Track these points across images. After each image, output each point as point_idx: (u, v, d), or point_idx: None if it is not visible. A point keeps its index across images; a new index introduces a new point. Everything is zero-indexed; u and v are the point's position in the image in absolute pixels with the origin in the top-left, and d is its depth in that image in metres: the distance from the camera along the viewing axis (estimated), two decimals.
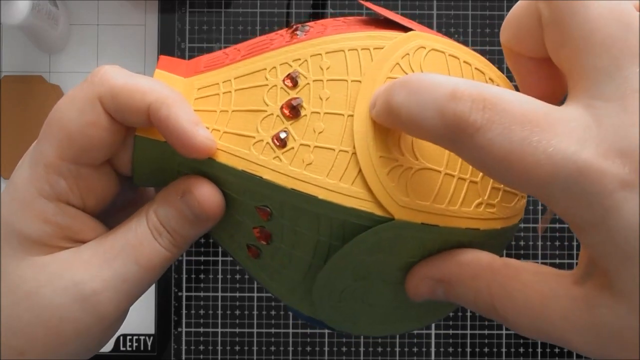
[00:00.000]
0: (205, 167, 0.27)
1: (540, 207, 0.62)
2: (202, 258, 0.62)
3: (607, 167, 0.21)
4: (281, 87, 0.27)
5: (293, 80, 0.27)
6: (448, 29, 0.64)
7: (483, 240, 0.27)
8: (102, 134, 0.27)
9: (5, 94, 0.64)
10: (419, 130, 0.24)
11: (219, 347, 0.62)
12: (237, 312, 0.63)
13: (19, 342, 0.27)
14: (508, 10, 0.63)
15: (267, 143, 0.26)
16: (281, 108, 0.27)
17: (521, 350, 0.62)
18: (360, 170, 0.25)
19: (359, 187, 0.25)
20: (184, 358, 0.62)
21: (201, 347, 0.62)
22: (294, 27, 0.29)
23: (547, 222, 0.62)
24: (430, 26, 0.64)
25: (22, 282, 0.27)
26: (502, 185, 0.28)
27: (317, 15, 0.64)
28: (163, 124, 0.26)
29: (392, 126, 0.25)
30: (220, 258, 0.63)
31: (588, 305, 0.24)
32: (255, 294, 0.63)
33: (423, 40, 0.27)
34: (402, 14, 0.64)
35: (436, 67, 0.27)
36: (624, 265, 0.22)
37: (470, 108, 0.22)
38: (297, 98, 0.27)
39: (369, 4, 0.31)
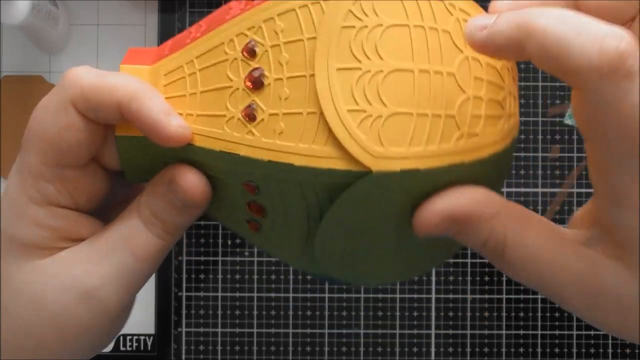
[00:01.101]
0: (186, 153, 0.28)
1: (540, 207, 0.62)
2: (202, 258, 0.62)
3: None
4: (242, 60, 0.27)
5: (250, 51, 0.27)
6: None
7: (473, 173, 0.26)
8: (80, 136, 0.27)
9: (5, 94, 0.64)
10: (565, 59, 0.22)
11: (219, 347, 0.62)
12: (237, 312, 0.62)
13: (31, 343, 0.28)
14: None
15: (238, 119, 0.26)
16: (244, 81, 0.26)
17: (521, 350, 0.62)
18: (330, 130, 0.25)
19: (331, 146, 0.25)
20: (184, 358, 0.62)
21: (201, 347, 0.62)
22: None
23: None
24: None
25: (25, 286, 0.28)
26: (483, 111, 0.26)
27: None
28: (135, 118, 0.26)
29: (513, 54, 0.23)
30: (220, 258, 0.63)
31: (595, 269, 0.25)
32: (255, 294, 0.63)
33: None
34: None
35: (390, 7, 0.26)
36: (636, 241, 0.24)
37: (630, 53, 0.21)
38: (258, 68, 0.26)
39: None
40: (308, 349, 0.62)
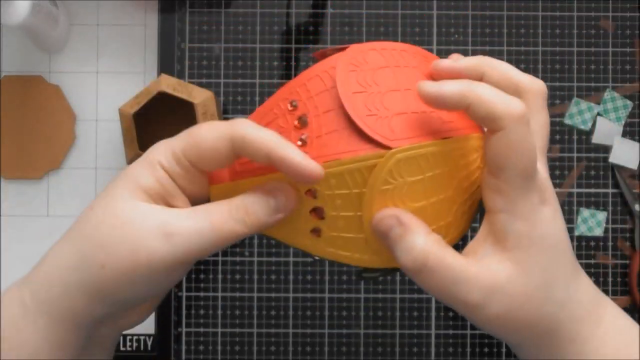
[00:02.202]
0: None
1: None
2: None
3: None
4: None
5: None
6: (448, 29, 0.64)
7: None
8: (220, 156, 0.37)
9: (5, 94, 0.64)
10: (493, 110, 0.36)
11: (219, 347, 0.62)
12: (237, 312, 0.63)
13: (103, 256, 0.36)
14: (508, 10, 0.64)
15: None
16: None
17: None
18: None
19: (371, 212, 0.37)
20: (184, 358, 0.62)
21: (201, 347, 0.62)
22: (292, 105, 0.39)
23: None
24: (430, 26, 0.64)
25: (123, 214, 0.36)
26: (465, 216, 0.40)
27: (317, 15, 0.64)
28: (281, 163, 0.36)
29: (454, 107, 0.37)
30: (220, 258, 0.63)
31: (487, 263, 0.37)
32: (255, 294, 0.63)
33: (398, 155, 0.36)
34: (402, 14, 0.64)
35: (411, 169, 0.37)
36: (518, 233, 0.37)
37: (526, 111, 0.37)
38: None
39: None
40: (308, 349, 0.62)
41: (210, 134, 0.37)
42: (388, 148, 0.36)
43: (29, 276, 0.38)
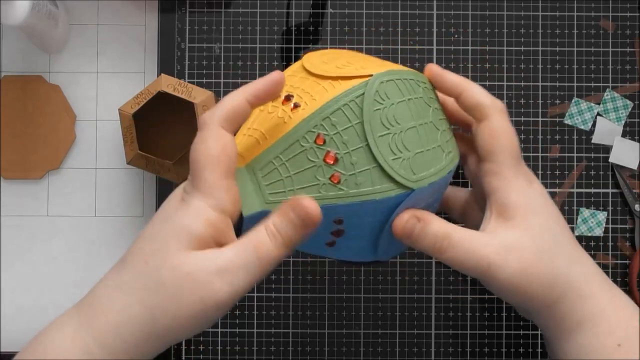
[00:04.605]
0: None
1: None
2: None
3: None
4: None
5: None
6: (448, 29, 0.64)
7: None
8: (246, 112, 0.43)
9: (5, 94, 0.64)
10: (480, 102, 0.45)
11: (219, 347, 0.62)
12: (237, 312, 0.63)
13: (174, 308, 0.39)
14: (508, 10, 0.64)
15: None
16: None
17: (521, 350, 0.62)
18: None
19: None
20: (184, 358, 0.62)
21: (201, 347, 0.62)
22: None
23: None
24: (430, 26, 0.64)
25: (184, 266, 0.39)
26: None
27: (317, 15, 0.64)
28: (259, 94, 0.42)
29: (452, 95, 0.47)
30: None
31: (497, 233, 0.44)
32: (255, 294, 0.63)
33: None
34: (402, 14, 0.64)
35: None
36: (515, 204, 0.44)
37: (502, 105, 0.47)
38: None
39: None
40: (308, 349, 0.62)
41: (228, 102, 0.42)
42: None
43: (89, 322, 0.40)
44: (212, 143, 0.40)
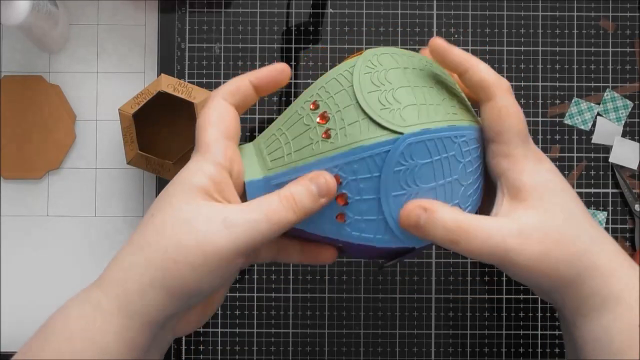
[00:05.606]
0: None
1: None
2: None
3: None
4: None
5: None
6: (448, 29, 0.64)
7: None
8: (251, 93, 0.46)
9: (5, 94, 0.64)
10: (487, 82, 0.43)
11: (219, 347, 0.62)
12: (237, 312, 0.63)
13: (173, 252, 0.39)
14: (508, 10, 0.64)
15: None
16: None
17: (521, 350, 0.62)
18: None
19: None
20: (184, 358, 0.62)
21: (201, 347, 0.62)
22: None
23: None
24: (430, 26, 0.64)
25: (186, 214, 0.40)
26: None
27: (317, 15, 0.64)
28: (262, 78, 0.45)
29: (458, 72, 0.44)
30: None
31: (512, 216, 0.42)
32: (255, 294, 0.63)
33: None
34: (402, 14, 0.64)
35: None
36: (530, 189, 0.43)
37: (508, 85, 0.45)
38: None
39: None
40: (308, 349, 0.62)
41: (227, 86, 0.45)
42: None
43: (98, 281, 0.41)
44: (212, 110, 0.43)
